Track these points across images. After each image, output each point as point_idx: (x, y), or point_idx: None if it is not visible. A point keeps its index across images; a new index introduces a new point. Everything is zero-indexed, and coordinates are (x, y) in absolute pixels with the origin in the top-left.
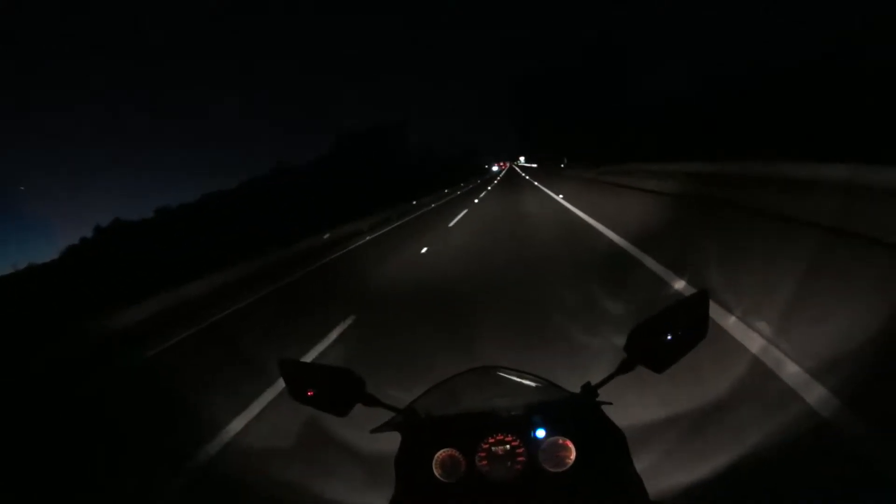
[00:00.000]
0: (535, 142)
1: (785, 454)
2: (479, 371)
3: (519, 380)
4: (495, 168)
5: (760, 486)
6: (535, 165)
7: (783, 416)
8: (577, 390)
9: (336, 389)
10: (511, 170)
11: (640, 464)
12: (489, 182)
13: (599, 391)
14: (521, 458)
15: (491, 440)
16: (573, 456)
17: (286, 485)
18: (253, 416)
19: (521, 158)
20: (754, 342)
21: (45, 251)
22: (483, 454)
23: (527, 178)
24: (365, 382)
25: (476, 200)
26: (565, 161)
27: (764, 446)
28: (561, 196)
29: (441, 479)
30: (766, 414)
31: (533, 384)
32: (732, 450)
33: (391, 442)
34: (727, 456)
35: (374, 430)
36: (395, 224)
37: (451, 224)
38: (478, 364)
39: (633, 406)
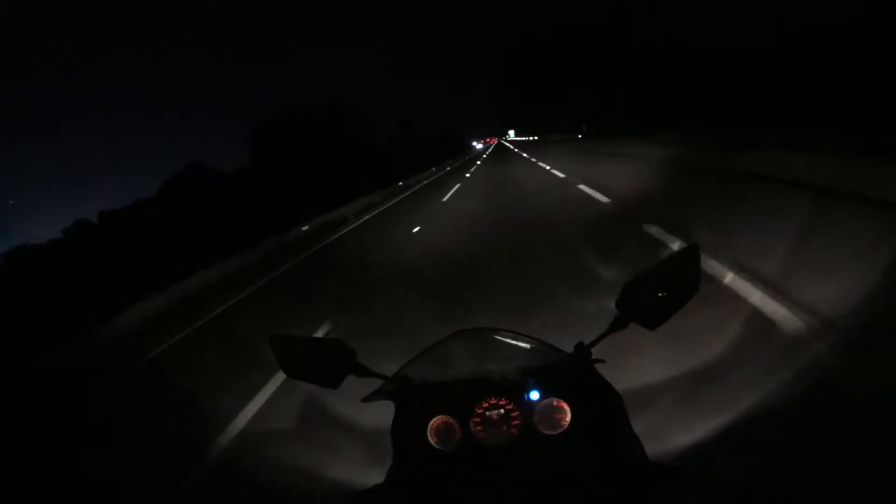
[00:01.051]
0: (527, 113)
1: (785, 411)
2: (470, 333)
3: (510, 341)
4: (479, 146)
5: (760, 444)
6: (534, 139)
7: (783, 373)
8: (570, 349)
9: (327, 361)
10: (500, 146)
11: (638, 424)
12: (470, 164)
13: (592, 350)
14: (515, 422)
15: (485, 404)
16: (569, 417)
17: (284, 463)
18: None
19: (511, 132)
20: None
21: None
22: (478, 419)
23: (538, 163)
24: (355, 352)
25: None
26: (584, 129)
27: (763, 404)
28: None
29: (437, 446)
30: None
31: (525, 345)
32: (732, 408)
33: (388, 413)
34: (727, 414)
35: (365, 399)
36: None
37: None
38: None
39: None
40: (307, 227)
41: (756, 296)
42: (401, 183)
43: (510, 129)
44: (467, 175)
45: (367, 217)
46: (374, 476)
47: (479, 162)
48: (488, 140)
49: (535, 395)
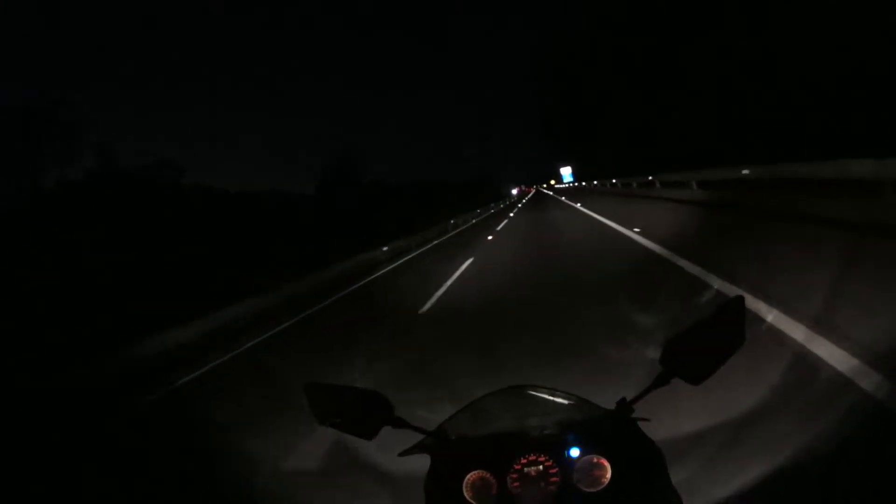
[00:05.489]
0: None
1: (828, 463)
2: (510, 390)
3: (551, 398)
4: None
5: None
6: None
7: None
8: (612, 406)
9: (363, 412)
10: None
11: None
12: None
13: (635, 406)
14: (554, 479)
15: (523, 461)
16: (609, 475)
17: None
18: None
19: (566, 172)
20: None
21: None
22: (515, 475)
23: None
24: (393, 405)
25: None
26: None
27: (805, 454)
28: None
29: (472, 501)
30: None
31: (566, 402)
32: (771, 459)
33: (421, 465)
34: (766, 466)
35: (402, 453)
36: None
37: None
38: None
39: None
40: None
41: None
42: None
43: (565, 164)
44: None
45: None
46: None
47: None
48: (525, 188)
49: (575, 452)
